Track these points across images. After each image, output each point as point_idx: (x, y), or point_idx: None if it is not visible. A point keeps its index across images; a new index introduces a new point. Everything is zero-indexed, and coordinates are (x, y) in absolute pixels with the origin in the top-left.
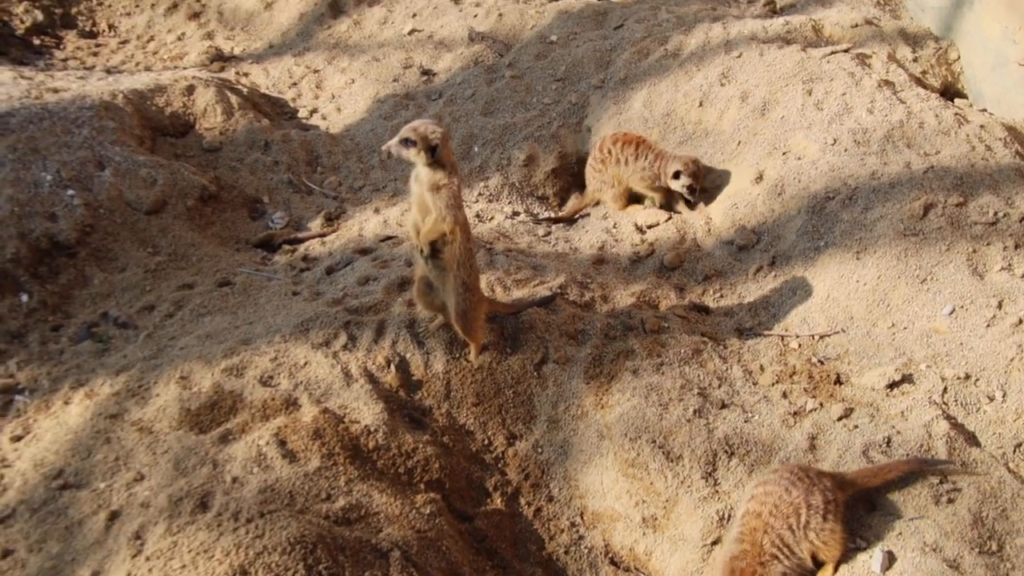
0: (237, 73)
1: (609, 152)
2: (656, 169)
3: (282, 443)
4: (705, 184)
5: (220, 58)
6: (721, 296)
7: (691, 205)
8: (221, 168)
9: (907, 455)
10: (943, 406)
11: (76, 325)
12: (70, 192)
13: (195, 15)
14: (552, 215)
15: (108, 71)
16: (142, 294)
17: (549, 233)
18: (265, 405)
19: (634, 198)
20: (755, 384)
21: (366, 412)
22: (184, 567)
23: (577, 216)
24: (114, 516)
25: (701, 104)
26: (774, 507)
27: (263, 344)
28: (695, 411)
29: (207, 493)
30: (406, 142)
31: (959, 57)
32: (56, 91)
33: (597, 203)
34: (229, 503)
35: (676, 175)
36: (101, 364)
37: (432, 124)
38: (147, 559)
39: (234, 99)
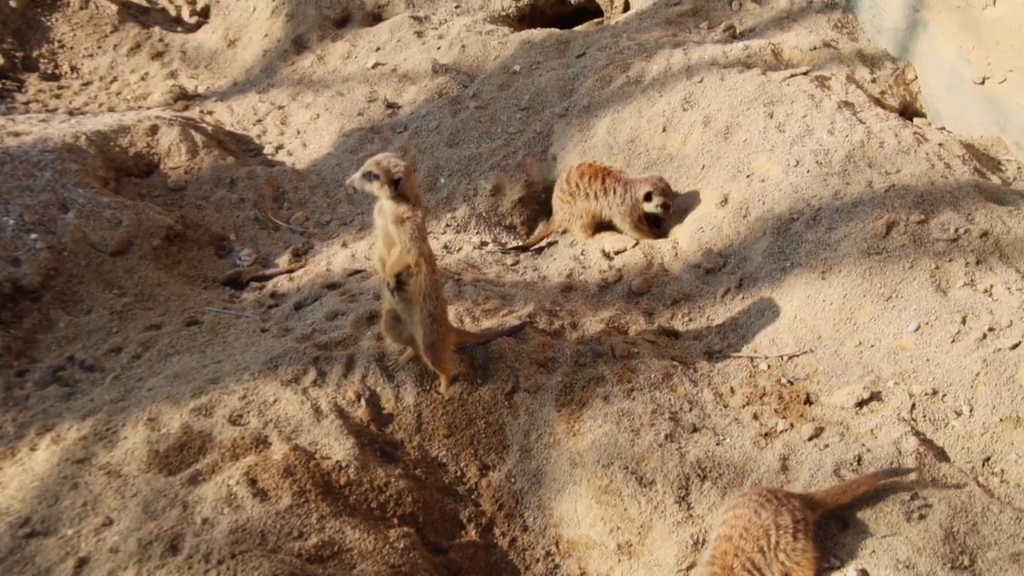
0: (201, 112)
1: (577, 186)
2: (630, 200)
3: (252, 482)
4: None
5: (184, 97)
6: (690, 320)
7: (660, 224)
8: (187, 207)
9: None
10: (912, 422)
11: (41, 370)
12: (33, 236)
13: (158, 55)
14: (519, 244)
15: (71, 113)
16: (108, 336)
17: (517, 262)
18: (235, 444)
19: (601, 226)
20: (726, 407)
21: (337, 448)
22: None
23: (545, 243)
24: (82, 563)
25: (665, 129)
26: (744, 530)
27: (232, 383)
28: (667, 436)
29: (177, 536)
30: (369, 176)
31: (916, 77)
32: (17, 135)
33: (564, 231)
34: (200, 545)
35: (647, 196)
36: (68, 408)
37: (394, 157)
38: None
39: (198, 137)
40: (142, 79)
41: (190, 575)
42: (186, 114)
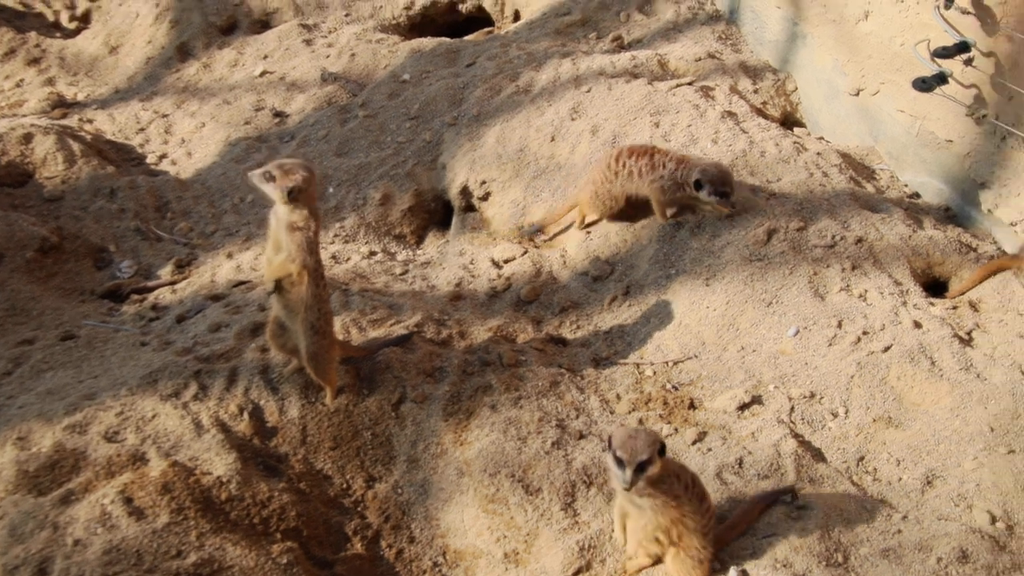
0: (80, 120)
1: (623, 165)
2: (679, 178)
3: (128, 500)
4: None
5: (62, 104)
6: (577, 327)
7: (725, 207)
8: (64, 217)
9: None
10: (791, 425)
11: None
12: None
13: (34, 61)
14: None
15: None
16: None
17: (406, 272)
18: (110, 462)
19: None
20: (612, 413)
21: (218, 463)
22: None
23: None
24: None
25: (553, 139)
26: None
27: (108, 398)
28: (553, 443)
29: (46, 559)
30: (268, 175)
31: (796, 88)
32: None
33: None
34: (70, 568)
35: (698, 185)
36: None
37: (300, 165)
38: None
39: (76, 146)
40: (17, 86)
41: None
42: (64, 122)
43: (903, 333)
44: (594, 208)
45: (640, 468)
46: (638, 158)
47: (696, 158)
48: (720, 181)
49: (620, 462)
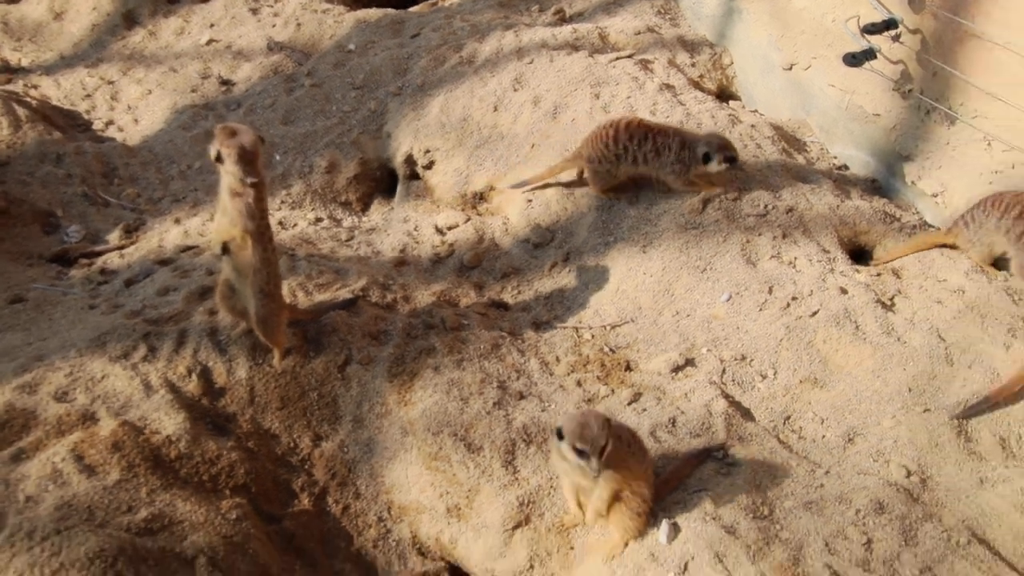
0: (25, 85)
1: (625, 148)
2: (687, 158)
3: (79, 458)
4: (500, 186)
5: (7, 70)
6: (519, 292)
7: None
8: (10, 183)
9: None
10: (722, 386)
11: None
12: None
13: None
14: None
15: None
16: None
17: (352, 238)
18: (60, 421)
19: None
20: (551, 375)
21: (167, 422)
22: None
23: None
24: None
25: (496, 109)
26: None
27: (58, 359)
28: (495, 403)
29: None
30: (211, 138)
31: (732, 62)
32: None
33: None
34: (23, 523)
35: (706, 158)
36: None
37: (242, 132)
38: None
39: (22, 111)
40: None
41: (12, 553)
42: (8, 88)
43: (830, 299)
44: (594, 182)
45: (602, 454)
46: (640, 143)
47: (690, 132)
48: (726, 147)
49: (582, 453)
